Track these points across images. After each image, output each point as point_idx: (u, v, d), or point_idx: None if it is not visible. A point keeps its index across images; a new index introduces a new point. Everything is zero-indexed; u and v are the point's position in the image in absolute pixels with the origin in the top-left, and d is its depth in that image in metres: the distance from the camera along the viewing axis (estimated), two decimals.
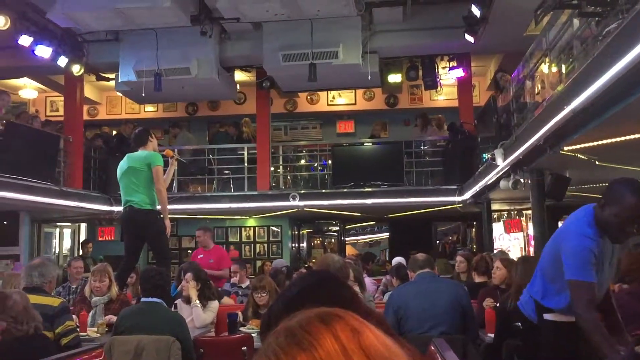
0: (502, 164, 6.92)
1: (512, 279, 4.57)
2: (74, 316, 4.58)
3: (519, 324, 3.42)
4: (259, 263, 12.03)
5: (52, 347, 3.38)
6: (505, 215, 12.02)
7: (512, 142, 6.62)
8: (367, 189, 11.08)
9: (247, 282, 7.42)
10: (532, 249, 10.44)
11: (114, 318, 5.00)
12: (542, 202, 6.83)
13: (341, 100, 14.19)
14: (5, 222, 9.99)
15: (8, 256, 9.70)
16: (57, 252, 12.21)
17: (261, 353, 0.81)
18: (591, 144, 5.42)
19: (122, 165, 6.20)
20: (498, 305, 4.62)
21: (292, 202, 10.93)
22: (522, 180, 6.93)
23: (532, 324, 3.22)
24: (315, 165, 12.74)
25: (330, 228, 14.90)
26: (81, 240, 11.96)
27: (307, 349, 0.77)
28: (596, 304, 2.92)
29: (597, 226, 2.91)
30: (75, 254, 11.43)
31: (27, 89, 13.01)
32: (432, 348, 3.12)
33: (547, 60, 5.96)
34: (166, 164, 6.31)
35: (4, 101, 9.58)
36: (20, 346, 2.97)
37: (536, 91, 6.48)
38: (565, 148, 5.52)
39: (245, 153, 11.85)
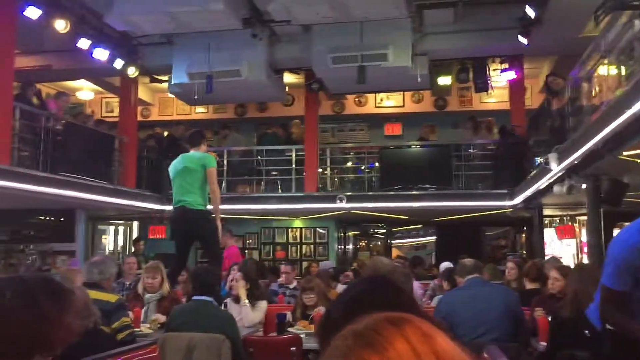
0: (556, 168, 6.76)
1: (567, 287, 4.45)
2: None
3: (587, 332, 3.34)
4: (305, 264, 12.08)
5: (110, 341, 3.48)
6: (557, 221, 11.72)
7: (568, 146, 6.45)
8: (414, 192, 10.99)
9: (295, 283, 7.46)
10: (585, 256, 10.15)
11: (161, 317, 5.12)
12: (597, 208, 6.63)
13: (389, 102, 14.13)
14: (62, 220, 10.35)
15: (65, 252, 10.04)
16: (111, 249, 12.55)
17: (329, 355, 0.81)
18: None
19: (177, 164, 6.30)
20: (551, 315, 4.49)
21: (338, 204, 10.94)
22: (577, 185, 6.74)
23: (599, 333, 3.15)
24: (363, 167, 12.72)
25: (376, 231, 14.84)
26: (133, 238, 12.26)
27: (378, 350, 0.77)
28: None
29: None
30: (128, 252, 11.73)
31: (84, 90, 13.46)
32: (485, 355, 3.06)
33: (605, 62, 5.78)
34: None
35: (63, 102, 9.94)
36: (80, 340, 3.07)
37: (593, 94, 6.30)
38: (625, 153, 5.34)
39: (293, 154, 11.93)
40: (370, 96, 13.93)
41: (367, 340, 0.79)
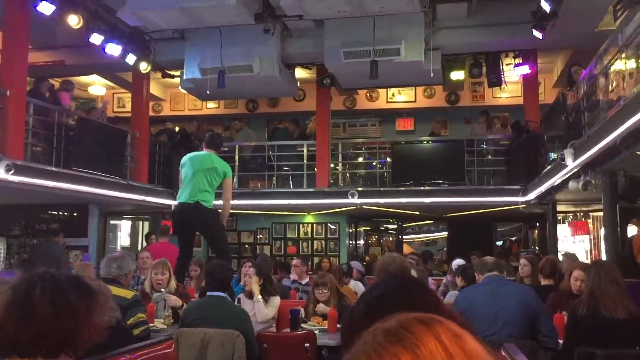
0: (572, 164, 6.69)
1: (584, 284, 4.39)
2: None
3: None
4: (316, 259, 12.07)
5: (130, 337, 3.49)
6: (571, 217, 11.64)
7: (584, 141, 6.38)
8: (426, 188, 10.93)
9: (307, 279, 7.47)
10: (597, 252, 10.07)
11: (176, 299, 5.19)
12: (614, 205, 6.56)
13: (401, 97, 14.06)
14: (75, 214, 10.39)
15: (77, 247, 10.08)
16: (126, 244, 12.59)
17: (357, 351, 0.81)
18: None
19: (205, 160, 6.36)
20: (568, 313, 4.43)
21: (350, 200, 10.91)
22: (592, 181, 6.68)
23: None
24: (374, 163, 12.68)
25: (387, 226, 14.82)
26: (144, 233, 12.30)
27: (409, 347, 0.77)
28: None
29: None
30: (140, 247, 11.77)
31: (96, 85, 13.49)
32: (503, 353, 3.03)
33: (623, 56, 5.71)
34: None
35: (73, 90, 9.91)
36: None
37: (610, 89, 6.22)
38: None
39: (305, 150, 11.90)
40: (382, 91, 13.87)
41: (398, 337, 0.79)
